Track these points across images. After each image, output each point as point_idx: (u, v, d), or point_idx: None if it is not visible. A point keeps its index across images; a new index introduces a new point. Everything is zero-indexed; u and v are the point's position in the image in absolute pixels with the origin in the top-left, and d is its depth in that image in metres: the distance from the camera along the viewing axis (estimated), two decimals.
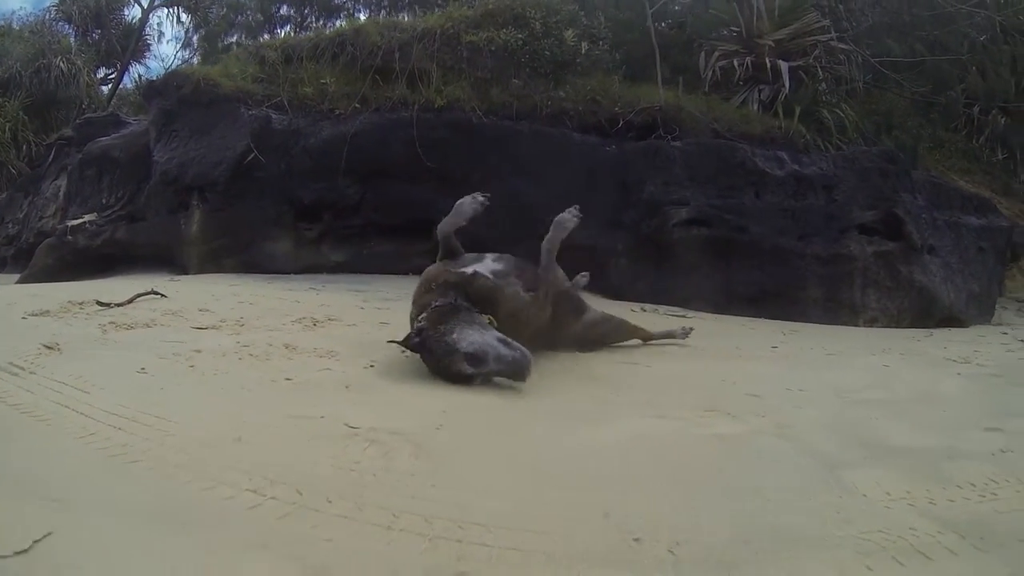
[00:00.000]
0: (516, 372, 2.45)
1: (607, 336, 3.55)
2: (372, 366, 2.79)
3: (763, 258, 5.25)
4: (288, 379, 2.53)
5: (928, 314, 5.30)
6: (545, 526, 1.50)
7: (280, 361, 2.78)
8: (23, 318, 3.44)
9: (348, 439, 1.91)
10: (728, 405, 2.54)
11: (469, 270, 2.77)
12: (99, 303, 3.84)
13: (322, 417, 2.08)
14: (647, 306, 5.11)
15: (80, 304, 3.81)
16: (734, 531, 1.54)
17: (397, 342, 2.60)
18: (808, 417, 2.47)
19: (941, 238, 5.67)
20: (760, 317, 5.08)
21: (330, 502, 1.53)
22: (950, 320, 5.37)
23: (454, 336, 2.48)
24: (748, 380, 2.98)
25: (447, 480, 1.70)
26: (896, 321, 5.22)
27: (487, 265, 2.85)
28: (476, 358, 2.44)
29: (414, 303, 2.82)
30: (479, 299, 2.68)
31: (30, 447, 1.80)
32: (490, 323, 2.62)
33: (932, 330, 5.05)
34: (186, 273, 6.25)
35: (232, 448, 1.81)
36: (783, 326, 4.80)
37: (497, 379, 2.53)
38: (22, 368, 2.47)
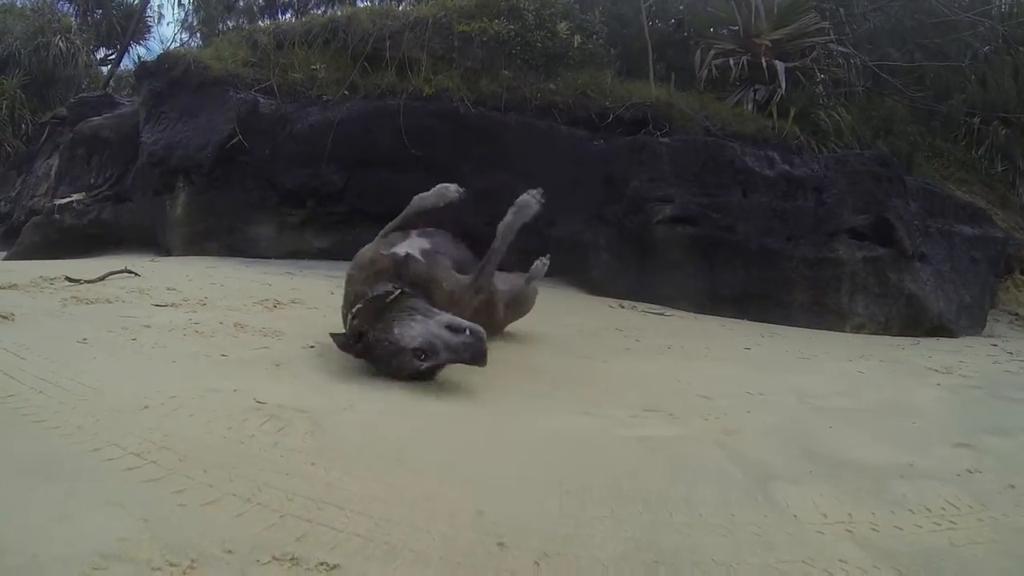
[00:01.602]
0: (473, 357, 2.28)
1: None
2: (312, 347, 2.78)
3: (749, 259, 5.16)
4: (223, 355, 2.54)
5: (917, 322, 5.22)
6: (408, 517, 1.47)
7: (223, 338, 2.78)
8: None
9: (250, 413, 1.93)
10: (673, 406, 2.46)
11: (401, 251, 2.65)
12: (69, 279, 3.82)
13: (235, 391, 2.10)
14: (625, 302, 5.05)
15: (51, 280, 3.79)
16: (623, 547, 1.44)
17: (337, 343, 2.48)
18: (757, 423, 2.37)
19: (933, 246, 5.58)
20: (744, 319, 5.00)
21: (205, 471, 1.56)
22: (939, 330, 5.28)
23: (396, 332, 2.33)
24: (705, 381, 2.90)
25: (327, 460, 1.69)
26: (884, 328, 5.14)
27: (415, 243, 2.76)
28: (425, 351, 2.29)
29: (348, 288, 2.68)
30: (413, 283, 2.55)
31: None
32: None
33: (919, 339, 4.97)
34: (170, 255, 6.24)
35: (137, 415, 1.85)
36: (764, 328, 4.74)
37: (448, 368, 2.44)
38: None
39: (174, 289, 3.84)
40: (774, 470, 1.94)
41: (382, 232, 2.96)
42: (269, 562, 1.26)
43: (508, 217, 3.00)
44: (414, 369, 2.32)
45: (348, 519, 1.43)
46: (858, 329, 5.13)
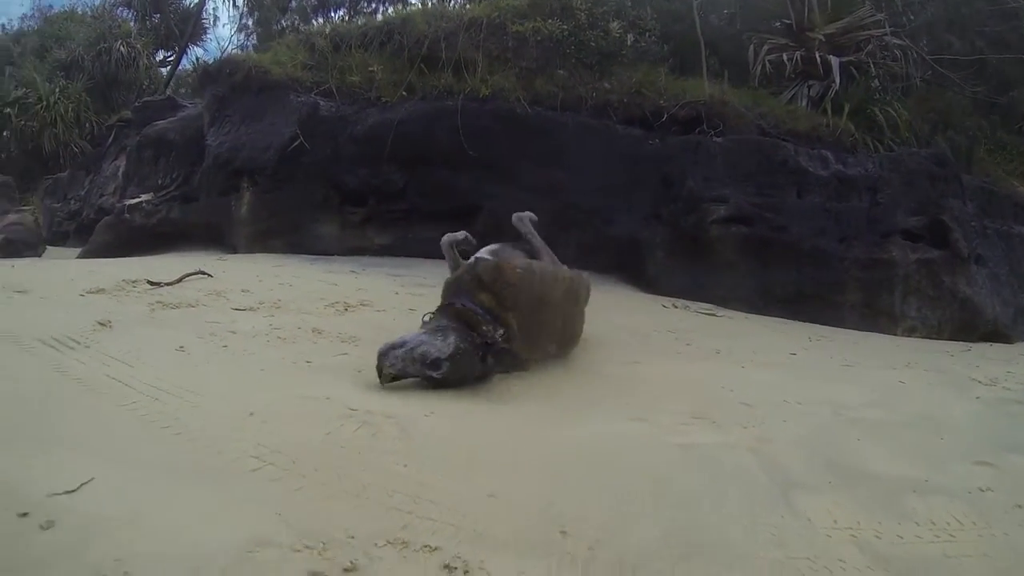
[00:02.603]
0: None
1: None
2: None
3: (801, 259, 5.14)
4: (308, 362, 2.77)
5: (970, 327, 5.08)
6: (488, 509, 1.71)
7: (305, 345, 3.01)
8: (80, 295, 3.68)
9: (345, 419, 2.15)
10: (716, 413, 2.57)
11: (472, 259, 2.87)
12: (150, 282, 4.06)
13: (327, 398, 2.32)
14: (679, 302, 5.09)
15: (133, 283, 4.05)
16: (659, 537, 1.66)
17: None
18: (790, 432, 2.47)
19: (991, 248, 5.46)
20: (796, 319, 4.98)
21: (316, 471, 1.80)
22: (994, 335, 5.14)
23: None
24: (749, 388, 2.95)
25: (418, 461, 1.92)
26: (936, 332, 5.03)
27: (484, 251, 2.98)
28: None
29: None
30: (489, 280, 2.70)
31: (81, 412, 2.07)
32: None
33: (972, 344, 4.84)
34: (235, 252, 6.51)
35: (245, 421, 2.08)
36: (814, 331, 4.70)
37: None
38: (78, 343, 2.72)
39: (248, 291, 4.06)
40: (797, 478, 2.08)
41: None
42: (384, 545, 1.50)
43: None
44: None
45: (440, 511, 1.67)
46: (910, 332, 5.04)
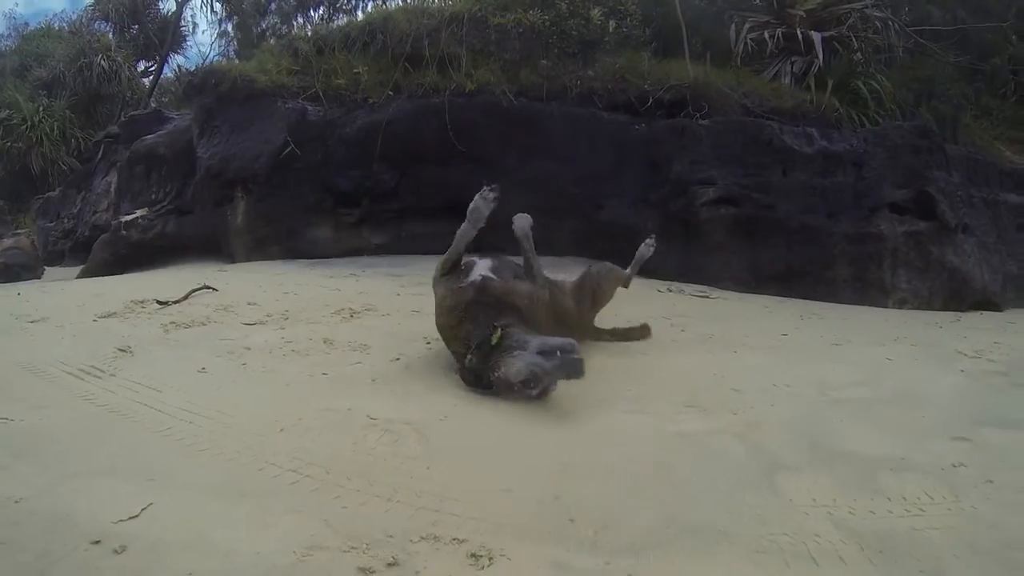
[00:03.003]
0: (568, 375, 2.48)
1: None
2: (398, 359, 3.09)
3: (790, 237, 5.21)
4: (324, 374, 2.88)
5: (960, 296, 5.18)
6: (505, 503, 1.88)
7: (319, 356, 3.11)
8: (94, 320, 3.78)
9: (368, 428, 2.31)
10: (708, 401, 2.69)
11: (477, 277, 2.82)
12: (158, 302, 4.14)
13: (349, 409, 2.45)
14: (673, 285, 5.17)
15: (141, 303, 4.15)
16: (655, 520, 1.83)
17: (465, 381, 2.72)
18: (777, 416, 2.58)
19: (977, 216, 5.53)
20: (788, 296, 5.06)
21: (349, 479, 1.97)
22: (984, 303, 5.24)
23: (503, 371, 2.54)
24: (739, 374, 3.05)
25: (439, 463, 2.09)
26: (927, 303, 5.11)
27: (481, 267, 2.91)
28: (531, 381, 2.49)
29: (452, 336, 2.86)
30: (498, 300, 2.76)
31: (120, 440, 2.20)
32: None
33: (962, 314, 4.91)
34: (233, 261, 6.56)
35: (277, 437, 2.23)
36: (807, 307, 4.75)
37: None
38: (103, 371, 2.84)
39: (255, 304, 4.15)
40: (782, 460, 2.22)
41: (439, 265, 3.08)
42: (418, 541, 1.68)
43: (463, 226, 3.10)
44: (529, 397, 2.53)
45: (463, 507, 1.84)
46: (901, 304, 5.12)
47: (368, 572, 1.56)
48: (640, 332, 3.66)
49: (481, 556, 1.63)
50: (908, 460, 2.22)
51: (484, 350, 2.65)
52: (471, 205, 3.09)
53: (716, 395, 2.77)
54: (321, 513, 1.79)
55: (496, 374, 2.57)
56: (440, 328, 2.93)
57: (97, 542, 1.61)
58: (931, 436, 2.42)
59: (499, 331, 2.64)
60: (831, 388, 2.91)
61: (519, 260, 3.07)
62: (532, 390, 2.50)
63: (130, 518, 1.71)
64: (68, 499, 1.81)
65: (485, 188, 3.11)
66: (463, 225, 3.08)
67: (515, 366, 2.51)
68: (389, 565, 1.58)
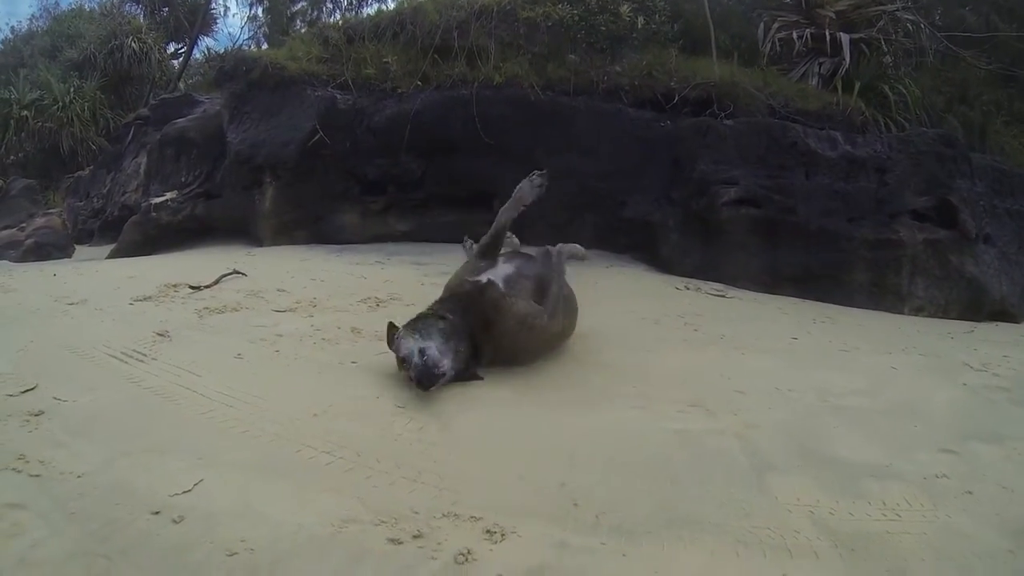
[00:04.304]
0: (417, 380, 2.58)
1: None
2: None
3: (810, 240, 5.19)
4: (353, 362, 3.04)
5: (977, 307, 5.11)
6: (517, 488, 2.06)
7: (348, 345, 3.28)
8: (130, 304, 3.98)
9: (395, 416, 2.49)
10: (712, 401, 2.79)
11: (484, 279, 2.94)
12: (190, 287, 4.32)
13: (377, 398, 2.64)
14: (691, 282, 5.19)
15: (174, 287, 4.35)
16: (651, 509, 1.99)
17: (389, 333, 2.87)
18: (774, 419, 2.68)
19: (1000, 227, 5.48)
20: (805, 298, 5.06)
21: (378, 462, 2.16)
22: (1001, 314, 5.16)
23: (400, 341, 2.73)
24: (745, 376, 3.12)
25: (459, 450, 2.27)
26: (943, 311, 5.06)
27: (500, 271, 3.03)
28: (406, 360, 2.66)
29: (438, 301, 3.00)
30: (488, 307, 2.85)
31: (167, 421, 2.39)
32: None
33: (977, 324, 4.86)
34: (260, 245, 6.69)
35: (311, 422, 2.41)
36: (821, 311, 4.76)
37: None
38: (145, 355, 3.03)
39: (283, 290, 4.31)
40: (773, 462, 2.33)
41: (478, 251, 3.20)
42: (440, 518, 1.87)
43: (507, 204, 3.23)
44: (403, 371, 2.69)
45: (481, 490, 2.03)
46: (917, 312, 5.07)
47: (396, 542, 1.75)
48: None
49: (495, 532, 1.81)
50: (893, 468, 2.31)
51: (419, 317, 2.84)
52: (518, 187, 3.22)
53: (719, 396, 2.86)
54: (354, 491, 1.97)
55: (399, 340, 2.73)
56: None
57: (157, 512, 1.81)
58: (919, 447, 2.49)
59: (437, 316, 2.80)
60: (831, 395, 2.98)
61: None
62: (405, 368, 2.65)
63: (184, 492, 1.91)
64: (126, 474, 2.00)
65: (534, 173, 3.23)
66: (506, 205, 3.22)
67: (407, 344, 2.68)
68: (415, 537, 1.77)
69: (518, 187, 3.22)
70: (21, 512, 1.77)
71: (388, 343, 2.83)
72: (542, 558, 1.73)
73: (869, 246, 5.14)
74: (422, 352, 2.61)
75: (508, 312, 2.86)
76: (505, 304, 2.86)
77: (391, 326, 2.84)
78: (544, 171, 3.25)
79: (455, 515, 1.88)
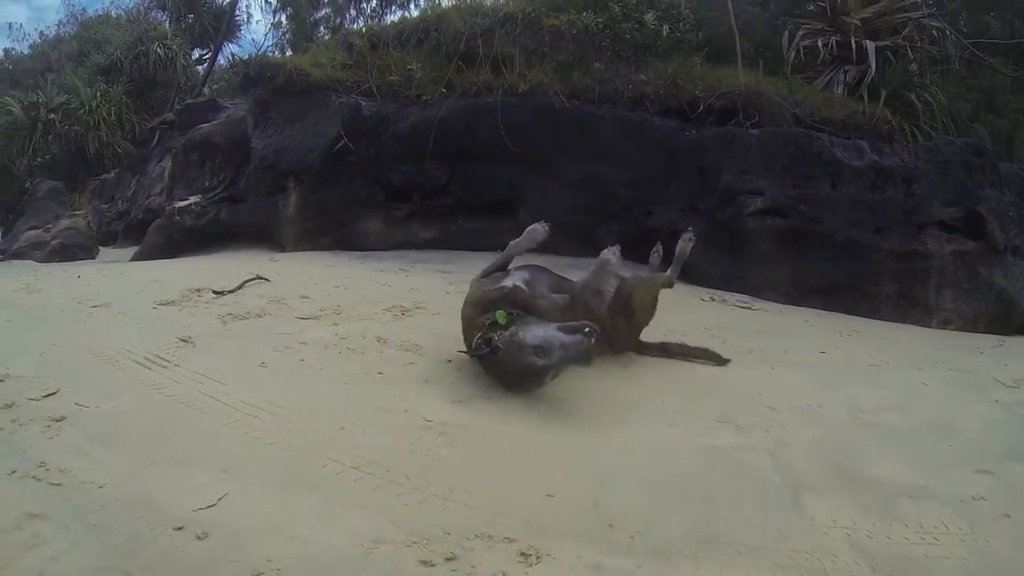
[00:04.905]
0: (581, 356, 2.57)
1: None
2: (449, 362, 3.19)
3: (836, 250, 5.13)
4: (380, 373, 3.02)
5: (1006, 320, 5.01)
6: (550, 507, 2.02)
7: (374, 355, 3.24)
8: (154, 308, 3.97)
9: (424, 430, 2.45)
10: (741, 417, 2.75)
11: (508, 283, 3.00)
12: (214, 291, 4.32)
13: (405, 411, 2.61)
14: (716, 293, 5.17)
15: (198, 291, 4.33)
16: (686, 530, 1.95)
17: (466, 352, 2.90)
18: (807, 437, 2.63)
19: None
20: (831, 310, 5.00)
21: (408, 478, 2.11)
22: None
23: (519, 334, 2.67)
24: (774, 391, 3.07)
25: (491, 467, 2.23)
26: (971, 325, 4.97)
27: (517, 276, 3.09)
28: (543, 349, 2.60)
29: (469, 327, 3.01)
30: (524, 308, 2.91)
31: (191, 430, 2.36)
32: None
33: (1006, 338, 4.75)
34: (283, 250, 6.75)
35: (338, 435, 2.37)
36: (848, 323, 4.70)
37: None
38: (168, 361, 3.01)
39: (307, 297, 4.29)
40: (808, 481, 2.29)
41: (482, 272, 3.27)
42: (473, 539, 1.83)
43: (518, 240, 3.35)
44: (531, 364, 2.62)
45: (515, 509, 1.98)
46: (944, 324, 4.99)
47: (429, 565, 1.71)
48: (705, 353, 3.51)
49: (530, 555, 1.77)
50: (929, 489, 2.27)
51: (493, 329, 2.78)
52: (530, 227, 3.32)
53: (750, 411, 2.83)
54: (384, 509, 1.93)
55: (512, 337, 2.66)
56: (463, 319, 3.08)
57: (180, 528, 1.77)
58: (955, 467, 2.45)
59: (507, 314, 2.80)
60: (863, 411, 2.94)
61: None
62: (540, 359, 2.59)
63: (208, 507, 1.87)
64: (149, 486, 1.97)
65: (543, 222, 3.35)
66: (518, 240, 3.30)
67: (532, 331, 2.65)
68: (447, 559, 1.73)
69: (531, 227, 3.34)
70: (41, 523, 1.74)
71: (473, 352, 2.83)
72: None
73: (896, 257, 5.07)
74: (573, 329, 2.60)
75: (541, 309, 2.93)
76: (537, 303, 2.94)
77: (483, 336, 2.80)
78: (549, 225, 3.35)
79: (488, 536, 1.84)
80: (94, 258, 8.58)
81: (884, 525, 2.04)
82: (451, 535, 1.83)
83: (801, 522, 2.03)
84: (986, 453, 2.58)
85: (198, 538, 1.74)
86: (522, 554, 1.78)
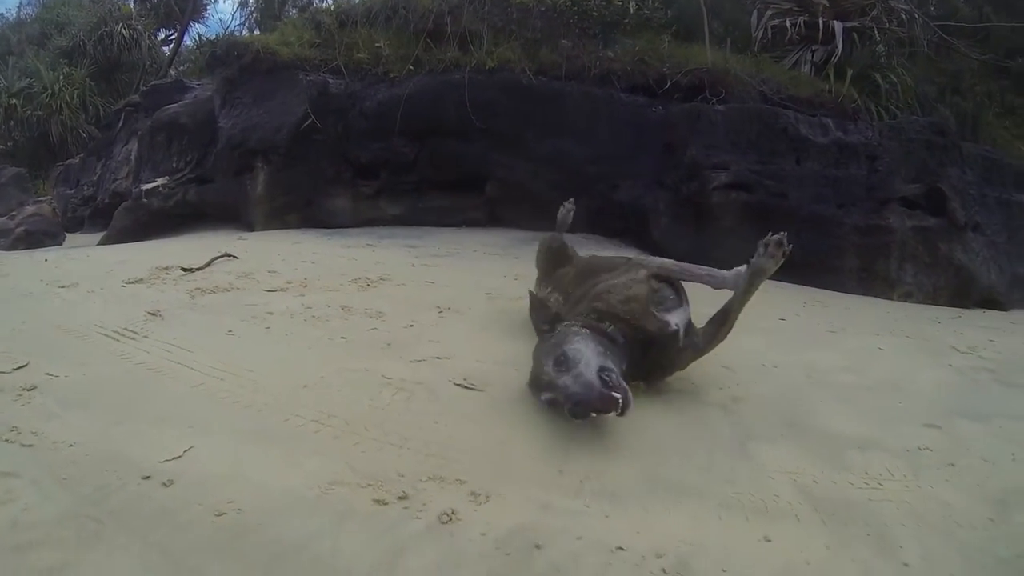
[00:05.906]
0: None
1: None
2: (411, 326, 3.25)
3: (800, 225, 5.13)
4: (343, 338, 3.05)
5: (965, 294, 5.14)
6: (502, 453, 2.09)
7: (338, 322, 3.28)
8: (122, 286, 3.95)
9: (383, 386, 2.50)
10: (698, 376, 2.78)
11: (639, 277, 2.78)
12: (182, 268, 4.30)
13: (366, 370, 2.64)
14: None
15: (166, 269, 4.33)
16: (634, 475, 2.01)
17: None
18: (761, 393, 2.70)
19: (989, 216, 5.51)
20: (796, 283, 5.03)
21: (367, 429, 2.18)
22: (988, 302, 5.21)
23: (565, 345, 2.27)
24: (733, 354, 3.01)
25: (446, 419, 2.28)
26: (932, 298, 5.09)
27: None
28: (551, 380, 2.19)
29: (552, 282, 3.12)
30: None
31: (159, 394, 2.41)
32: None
33: (964, 311, 4.87)
34: (252, 229, 6.67)
35: (301, 392, 2.43)
36: (812, 295, 4.76)
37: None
38: (136, 333, 3.02)
39: (275, 272, 4.30)
40: (758, 432, 2.34)
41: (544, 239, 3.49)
42: (426, 480, 1.90)
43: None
44: (536, 378, 2.29)
45: (466, 455, 2.05)
46: (905, 297, 5.10)
47: (382, 503, 1.78)
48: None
49: (480, 495, 1.84)
50: (876, 440, 2.33)
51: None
52: (558, 215, 3.69)
53: (706, 371, 2.84)
54: (342, 456, 2.00)
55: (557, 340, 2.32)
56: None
57: (147, 477, 1.84)
58: (904, 421, 2.51)
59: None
60: (818, 372, 3.00)
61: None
62: (542, 391, 2.22)
63: (174, 458, 1.93)
64: (118, 443, 2.02)
65: (568, 202, 3.70)
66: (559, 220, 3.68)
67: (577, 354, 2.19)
68: (400, 498, 1.80)
69: (559, 214, 3.71)
70: (13, 480, 1.79)
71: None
72: (526, 518, 1.75)
73: (859, 232, 5.17)
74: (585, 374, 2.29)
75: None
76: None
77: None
78: (572, 200, 3.76)
79: (440, 478, 1.90)
80: (61, 244, 8.40)
81: (830, 471, 2.09)
82: (404, 477, 1.89)
83: (748, 468, 2.09)
84: (936, 410, 2.64)
85: (164, 485, 1.80)
86: (472, 493, 1.84)
